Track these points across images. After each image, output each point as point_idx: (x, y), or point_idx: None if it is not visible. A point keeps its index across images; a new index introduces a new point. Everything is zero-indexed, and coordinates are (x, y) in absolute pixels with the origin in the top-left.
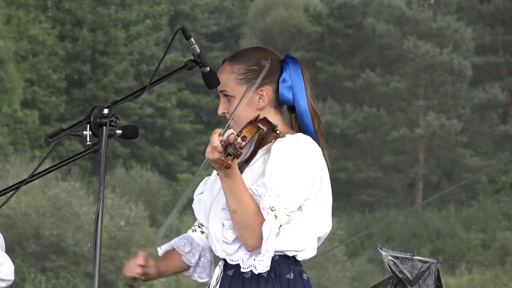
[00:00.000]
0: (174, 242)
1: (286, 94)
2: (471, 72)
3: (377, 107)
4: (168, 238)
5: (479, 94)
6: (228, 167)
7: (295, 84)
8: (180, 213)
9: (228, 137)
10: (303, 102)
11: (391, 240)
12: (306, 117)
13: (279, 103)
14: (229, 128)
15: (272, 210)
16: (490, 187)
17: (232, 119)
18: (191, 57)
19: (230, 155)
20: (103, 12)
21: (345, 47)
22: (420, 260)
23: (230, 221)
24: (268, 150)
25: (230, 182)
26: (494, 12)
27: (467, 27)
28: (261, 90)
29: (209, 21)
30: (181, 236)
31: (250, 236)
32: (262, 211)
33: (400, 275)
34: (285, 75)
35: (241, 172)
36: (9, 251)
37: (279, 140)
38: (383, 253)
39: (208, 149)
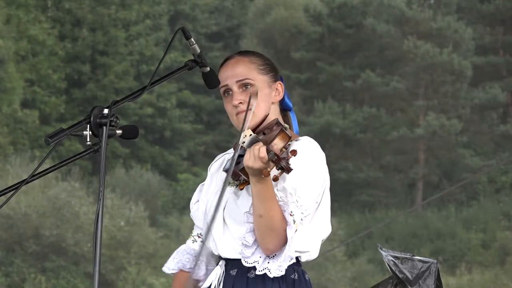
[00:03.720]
0: (178, 261)
1: (287, 97)
2: (471, 72)
3: (377, 107)
4: (168, 238)
5: (479, 94)
6: (275, 179)
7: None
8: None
9: (272, 148)
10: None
11: (391, 240)
12: (296, 123)
13: (280, 104)
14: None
15: (291, 215)
16: (490, 187)
17: (251, 109)
18: (191, 57)
19: (282, 169)
20: (103, 12)
21: (345, 47)
22: (420, 260)
23: (251, 225)
24: None
25: (261, 187)
26: (494, 12)
27: (467, 27)
28: (278, 84)
29: (209, 21)
30: (181, 250)
31: (272, 241)
32: (286, 217)
33: (400, 275)
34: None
35: None
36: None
37: (297, 144)
38: (383, 253)
39: (247, 156)
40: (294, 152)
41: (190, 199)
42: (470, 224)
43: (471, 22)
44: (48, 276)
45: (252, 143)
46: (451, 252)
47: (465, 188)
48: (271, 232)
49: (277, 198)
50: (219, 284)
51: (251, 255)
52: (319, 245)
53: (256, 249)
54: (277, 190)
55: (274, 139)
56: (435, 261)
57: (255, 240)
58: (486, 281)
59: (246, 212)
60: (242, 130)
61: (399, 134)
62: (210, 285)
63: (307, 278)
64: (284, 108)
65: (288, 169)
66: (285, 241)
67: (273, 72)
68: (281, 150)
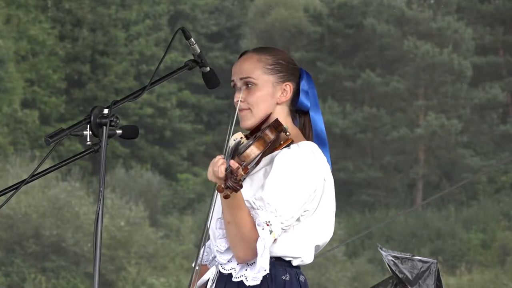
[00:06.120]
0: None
1: (304, 98)
2: (471, 72)
3: (377, 107)
4: (168, 238)
5: (479, 94)
6: (226, 197)
7: (310, 93)
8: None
9: (231, 163)
10: (319, 111)
11: (391, 240)
12: (320, 123)
13: (293, 105)
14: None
15: (267, 225)
16: (490, 187)
17: (248, 108)
18: (191, 57)
19: (229, 188)
20: (103, 12)
21: (345, 47)
22: (420, 260)
23: (224, 231)
24: (271, 161)
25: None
26: (494, 12)
27: (467, 27)
28: (286, 85)
29: (209, 21)
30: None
31: (242, 250)
32: (257, 227)
33: (400, 275)
34: (303, 80)
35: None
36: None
37: (283, 152)
38: (383, 253)
39: (210, 168)
40: (246, 170)
41: (190, 199)
42: (470, 224)
43: (471, 22)
44: (48, 276)
45: (232, 150)
46: (451, 252)
47: (465, 188)
48: (241, 241)
49: (253, 206)
50: (213, 284)
51: (226, 262)
52: (311, 250)
53: (232, 256)
54: (255, 198)
55: (247, 148)
56: (435, 261)
57: (229, 247)
58: (486, 281)
59: (219, 218)
60: (228, 134)
61: (399, 134)
62: (207, 283)
63: (301, 280)
64: (299, 109)
65: (234, 189)
66: (256, 252)
67: (284, 72)
68: (237, 167)
